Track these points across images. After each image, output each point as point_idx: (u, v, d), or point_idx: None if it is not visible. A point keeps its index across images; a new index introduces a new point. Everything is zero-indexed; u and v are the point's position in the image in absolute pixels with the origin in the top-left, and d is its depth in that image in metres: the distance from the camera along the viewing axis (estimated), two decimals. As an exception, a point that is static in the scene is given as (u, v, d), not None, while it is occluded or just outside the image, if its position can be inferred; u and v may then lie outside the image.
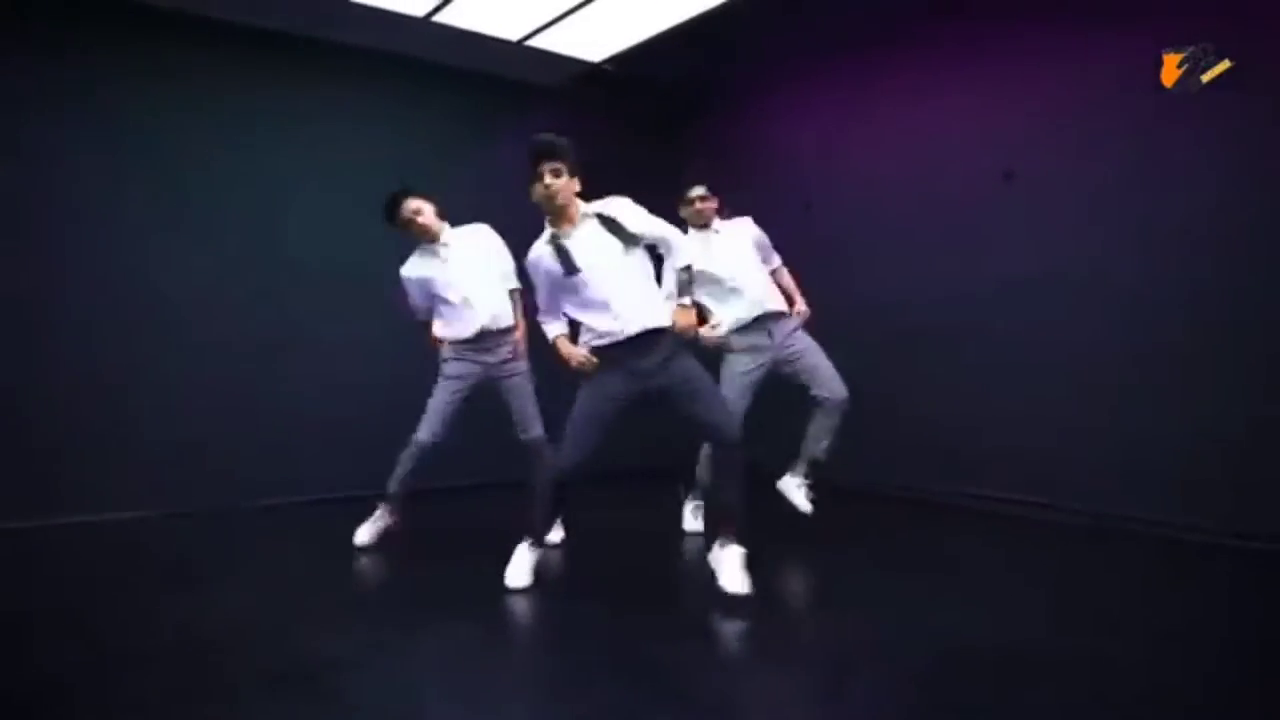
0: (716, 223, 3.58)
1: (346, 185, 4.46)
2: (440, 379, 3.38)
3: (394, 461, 3.37)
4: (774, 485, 3.60)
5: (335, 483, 4.21)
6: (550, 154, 2.60)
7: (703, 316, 3.39)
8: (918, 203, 4.37)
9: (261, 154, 4.37)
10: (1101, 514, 3.61)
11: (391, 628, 2.44)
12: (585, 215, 2.69)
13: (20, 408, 3.74)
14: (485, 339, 3.35)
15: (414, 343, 3.63)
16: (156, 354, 4.05)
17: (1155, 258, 3.47)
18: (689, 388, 2.65)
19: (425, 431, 3.32)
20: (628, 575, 3.02)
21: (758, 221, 3.69)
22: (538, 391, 3.48)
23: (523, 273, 3.01)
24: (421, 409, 3.38)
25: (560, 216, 2.67)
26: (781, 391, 3.52)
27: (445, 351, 3.40)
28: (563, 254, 2.67)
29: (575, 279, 2.66)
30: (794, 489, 3.57)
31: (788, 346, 3.49)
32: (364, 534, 3.39)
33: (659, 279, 2.88)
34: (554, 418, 3.36)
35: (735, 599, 2.56)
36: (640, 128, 5.59)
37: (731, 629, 2.49)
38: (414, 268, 3.42)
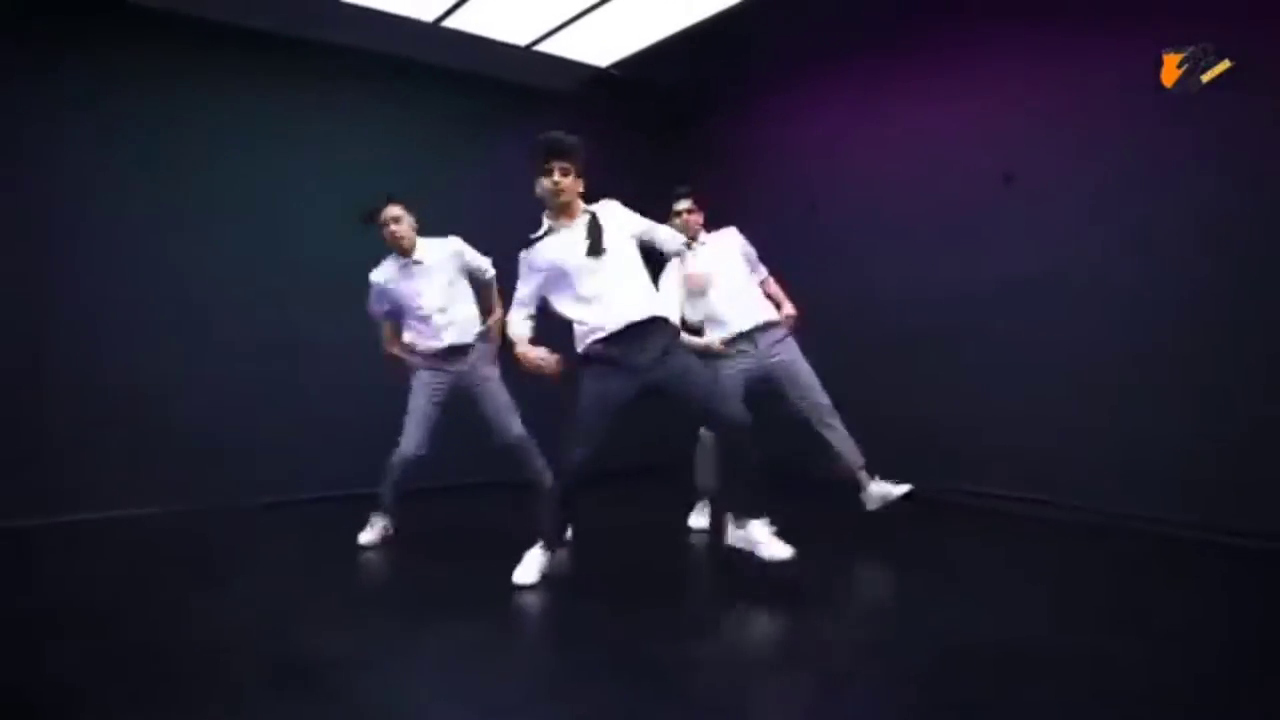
0: (702, 235, 3.63)
1: (355, 187, 4.44)
2: (414, 387, 3.42)
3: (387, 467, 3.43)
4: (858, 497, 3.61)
5: (342, 480, 4.25)
6: (561, 152, 2.67)
7: (690, 329, 3.49)
8: (921, 204, 4.39)
9: (271, 155, 4.43)
10: (1101, 512, 3.61)
11: (395, 626, 2.46)
12: (584, 213, 2.76)
13: (32, 406, 3.80)
14: (455, 351, 3.42)
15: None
16: (166, 353, 4.11)
17: (1155, 258, 3.47)
18: (688, 378, 2.69)
19: (409, 444, 3.36)
20: (628, 573, 3.03)
21: (763, 223, 3.73)
22: (514, 391, 3.51)
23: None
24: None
25: (562, 213, 2.74)
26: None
27: (416, 361, 3.44)
28: (594, 233, 2.70)
29: (584, 265, 2.68)
30: (887, 490, 3.56)
31: (773, 355, 3.54)
32: (365, 537, 3.44)
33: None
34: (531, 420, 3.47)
35: (780, 567, 2.63)
36: (646, 131, 5.64)
37: (733, 627, 2.51)
38: (383, 275, 3.45)
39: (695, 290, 3.41)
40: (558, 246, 2.73)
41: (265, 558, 3.37)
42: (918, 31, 4.36)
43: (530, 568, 2.81)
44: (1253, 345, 3.22)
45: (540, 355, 2.71)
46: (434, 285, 3.42)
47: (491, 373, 3.50)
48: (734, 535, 2.82)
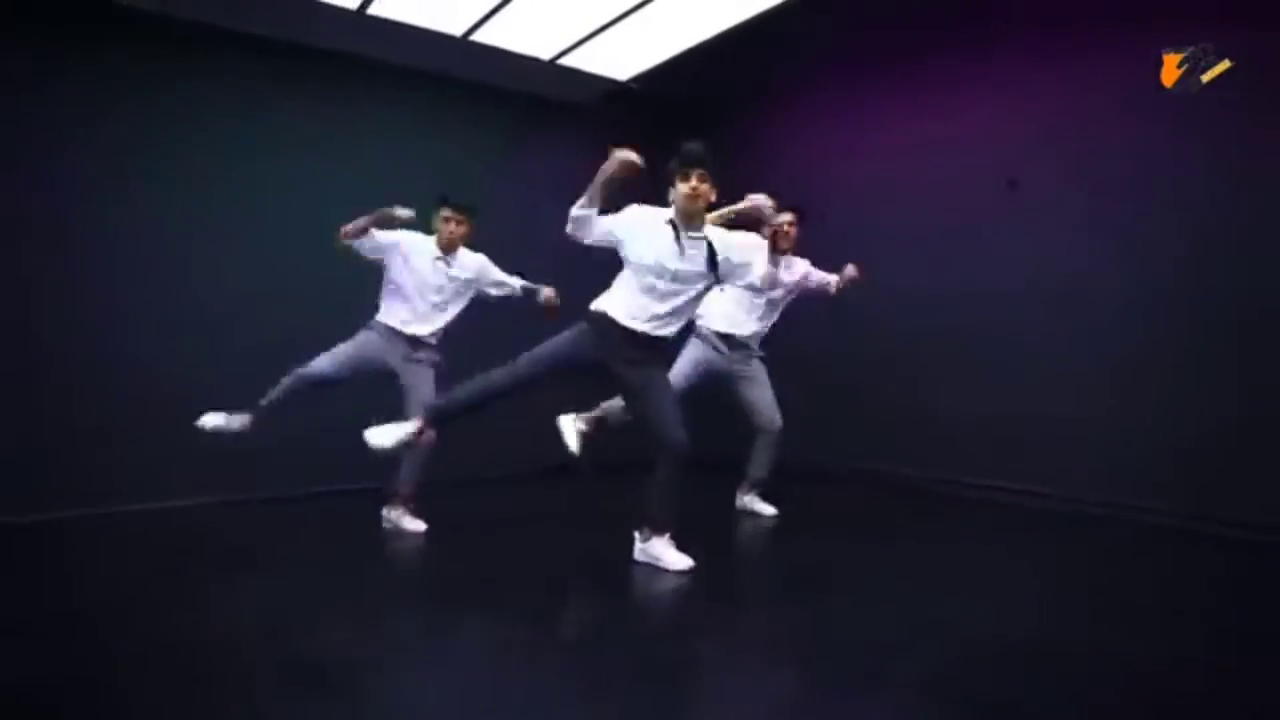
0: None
1: (379, 196, 4.64)
2: (358, 335, 3.58)
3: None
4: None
5: (358, 474, 4.29)
6: (701, 161, 2.84)
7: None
8: (928, 209, 4.51)
9: (300, 163, 4.55)
10: (1104, 504, 3.67)
11: (414, 625, 2.46)
12: (703, 234, 2.89)
13: (48, 403, 3.88)
14: (414, 340, 3.60)
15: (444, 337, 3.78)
16: (184, 351, 4.21)
17: (1154, 259, 3.55)
18: (649, 389, 2.90)
19: (313, 363, 3.51)
20: (645, 569, 2.97)
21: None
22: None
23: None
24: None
25: (691, 219, 2.87)
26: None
27: (374, 319, 3.61)
28: (711, 252, 2.87)
29: (667, 275, 2.85)
30: (757, 503, 3.85)
31: (740, 371, 3.79)
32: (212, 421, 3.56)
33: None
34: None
35: (683, 575, 2.80)
36: (663, 143, 5.70)
37: (748, 626, 2.50)
38: (414, 245, 3.58)
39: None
40: (663, 242, 2.84)
41: (284, 552, 3.36)
42: (925, 43, 4.50)
43: (676, 552, 2.89)
44: (1255, 344, 3.29)
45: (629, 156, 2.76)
46: (448, 289, 3.64)
47: (434, 356, 3.65)
48: (639, 549, 2.98)
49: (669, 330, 2.95)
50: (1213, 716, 1.84)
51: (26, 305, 3.88)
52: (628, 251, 2.90)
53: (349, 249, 3.57)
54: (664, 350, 3.02)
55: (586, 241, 2.91)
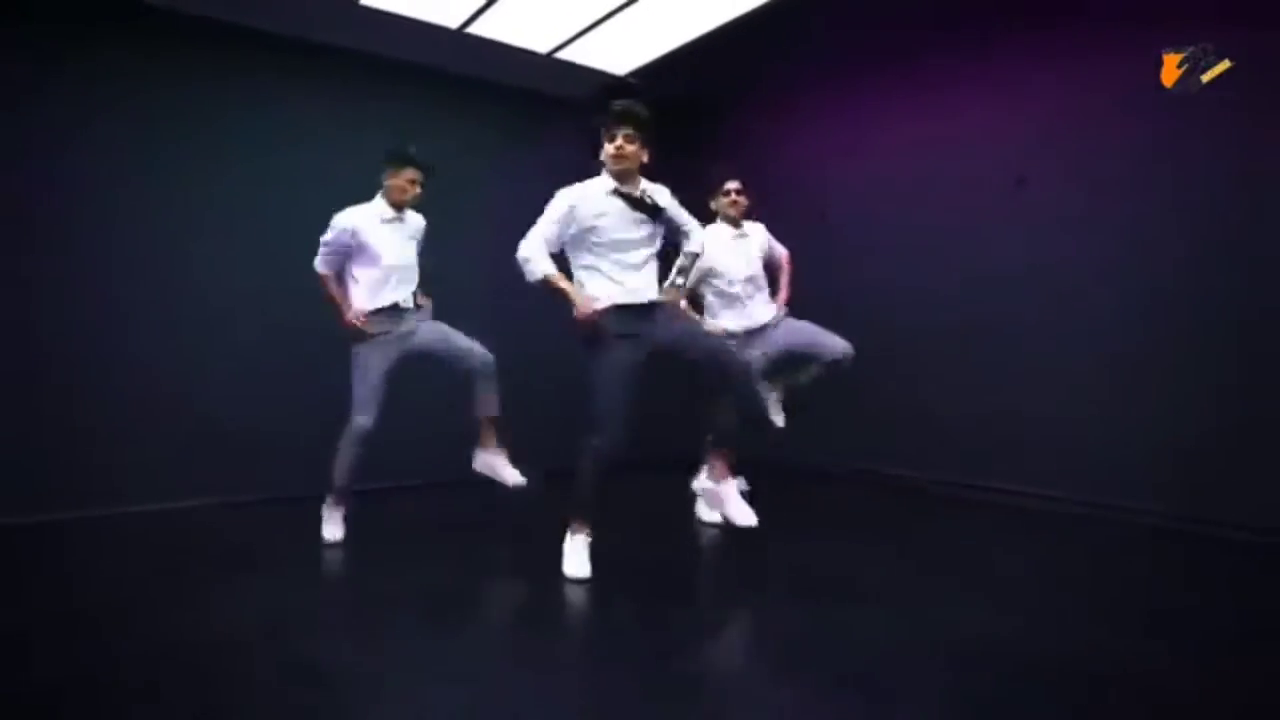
0: (746, 224, 3.78)
1: (373, 190, 4.65)
2: (359, 357, 3.37)
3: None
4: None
5: (376, 473, 4.31)
6: (627, 119, 2.77)
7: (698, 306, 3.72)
8: (930, 208, 4.50)
9: (297, 160, 4.53)
10: (1111, 506, 3.67)
11: (415, 631, 2.39)
12: (642, 189, 2.87)
13: (52, 404, 3.86)
14: (400, 310, 3.43)
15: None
16: (189, 351, 4.21)
17: (1156, 258, 3.55)
18: (693, 335, 2.90)
19: (365, 415, 3.33)
20: (646, 572, 2.97)
21: (776, 228, 3.89)
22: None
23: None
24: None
25: (623, 180, 2.82)
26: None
27: (365, 331, 3.38)
28: (650, 211, 2.83)
29: (626, 236, 2.80)
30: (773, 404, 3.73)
31: (777, 340, 3.74)
32: (330, 531, 3.41)
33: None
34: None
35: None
36: (662, 138, 5.74)
37: (756, 631, 2.45)
38: (357, 219, 3.37)
39: None
40: (607, 208, 2.78)
41: (286, 555, 3.32)
42: (930, 39, 4.49)
43: (580, 558, 2.79)
44: (1257, 344, 3.28)
45: (594, 308, 2.73)
46: (409, 245, 3.50)
47: (426, 315, 3.51)
48: (700, 489, 3.01)
49: (653, 291, 2.88)
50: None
51: (26, 305, 3.86)
52: (594, 233, 2.80)
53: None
54: (667, 309, 2.95)
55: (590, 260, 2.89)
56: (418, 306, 3.54)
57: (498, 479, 3.50)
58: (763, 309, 3.76)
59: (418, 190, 3.49)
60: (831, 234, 4.96)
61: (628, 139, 2.77)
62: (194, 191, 4.25)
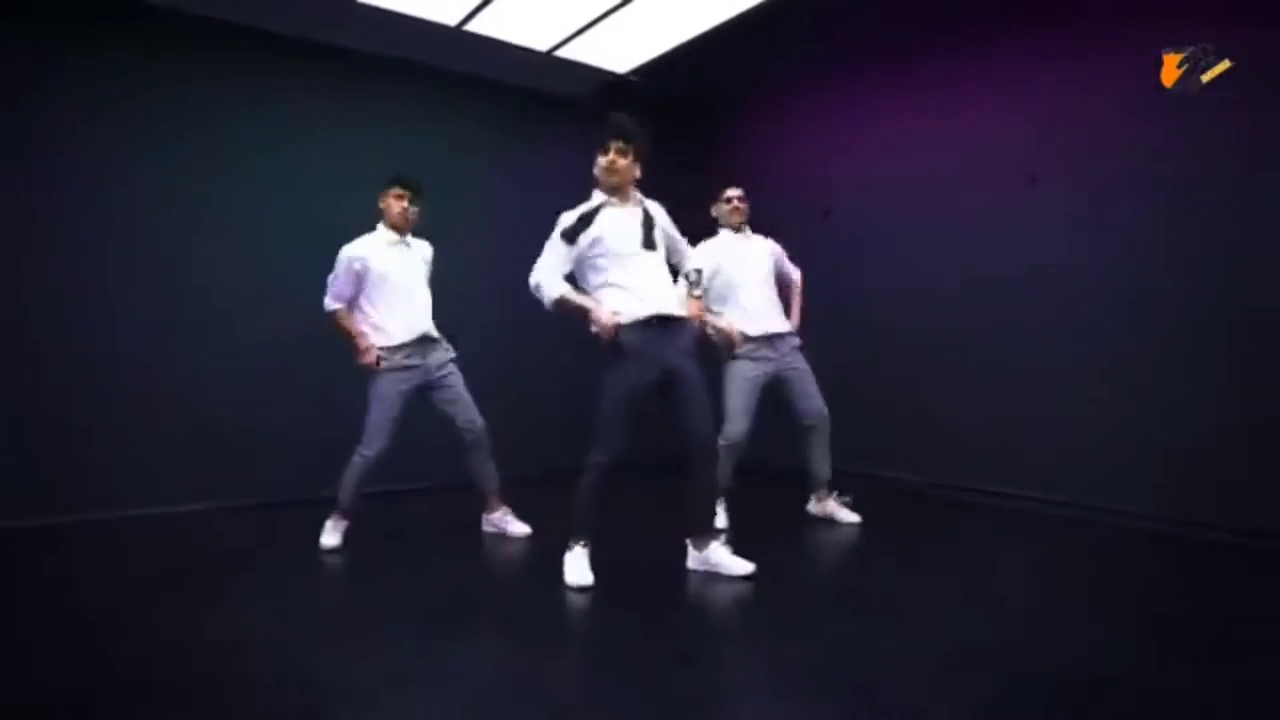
0: (747, 230, 3.81)
1: (372, 189, 4.63)
2: (378, 388, 3.34)
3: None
4: (803, 507, 3.85)
5: (378, 477, 4.32)
6: (620, 134, 2.77)
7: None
8: (930, 207, 4.50)
9: (295, 160, 4.53)
10: (1111, 510, 3.66)
11: (416, 642, 2.33)
12: (638, 201, 2.88)
13: (51, 406, 3.86)
14: (424, 343, 3.43)
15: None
16: (192, 352, 4.21)
17: (1169, 258, 3.53)
18: (692, 385, 2.79)
19: (375, 447, 3.32)
20: (650, 579, 2.93)
21: (778, 227, 3.89)
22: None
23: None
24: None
25: (614, 194, 2.83)
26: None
27: (382, 364, 3.34)
28: (648, 225, 2.84)
29: (630, 251, 2.78)
30: (833, 507, 3.83)
31: (790, 364, 3.73)
32: (328, 539, 3.40)
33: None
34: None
35: (748, 579, 2.80)
36: (663, 136, 5.70)
37: (769, 650, 2.34)
38: (363, 249, 3.37)
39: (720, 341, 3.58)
40: (608, 224, 2.78)
41: (286, 559, 3.30)
42: (926, 40, 4.48)
43: (582, 567, 2.79)
44: (1259, 344, 3.27)
45: (613, 322, 2.69)
46: (419, 268, 3.53)
47: (454, 367, 3.51)
48: (694, 559, 2.94)
49: (673, 303, 2.82)
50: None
51: (23, 306, 3.86)
52: (599, 250, 2.79)
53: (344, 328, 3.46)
54: (691, 336, 2.89)
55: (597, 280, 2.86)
56: (446, 337, 3.53)
57: (506, 533, 3.62)
58: (777, 316, 3.77)
59: (409, 208, 3.46)
60: (831, 233, 4.96)
61: (619, 152, 2.77)
62: (190, 192, 4.24)
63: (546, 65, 4.92)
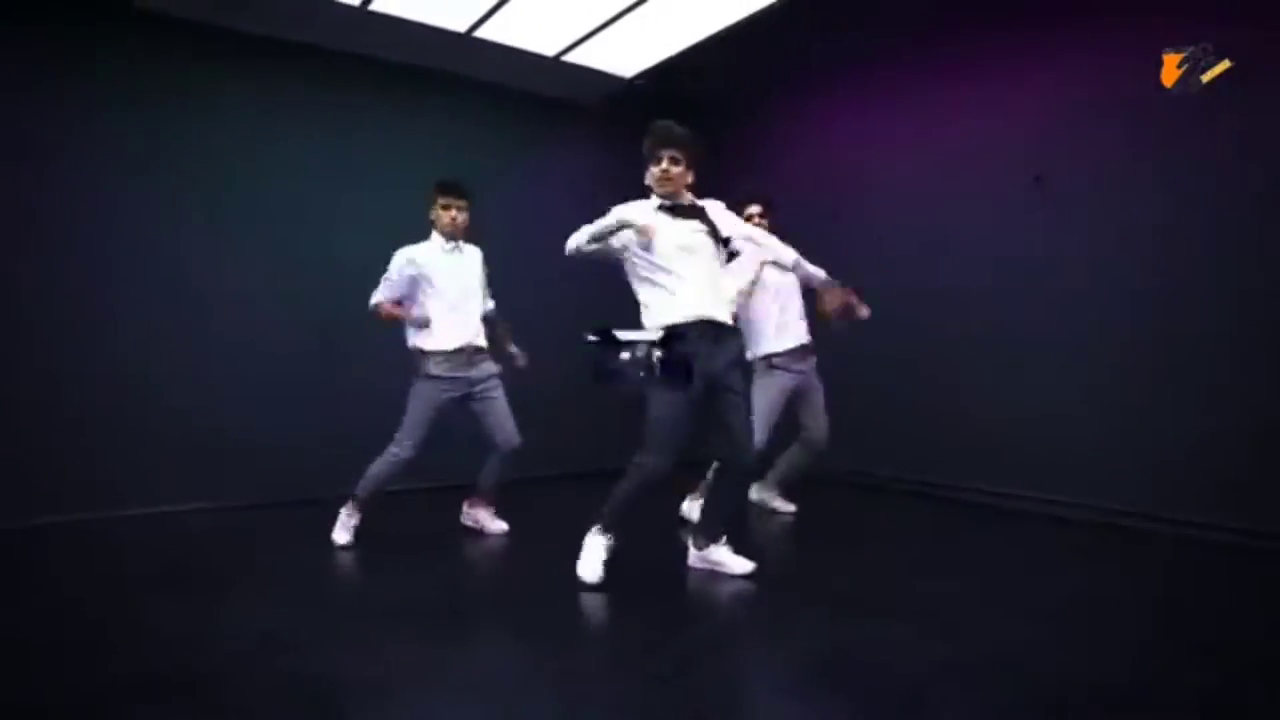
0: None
1: (382, 194, 4.68)
2: (420, 391, 3.36)
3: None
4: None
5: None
6: (670, 141, 2.69)
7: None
8: (941, 209, 4.51)
9: (302, 165, 4.59)
10: (1123, 512, 3.66)
11: (421, 644, 2.31)
12: (692, 204, 2.79)
13: (49, 405, 3.91)
14: (470, 354, 3.44)
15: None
16: (195, 354, 4.27)
17: (1177, 259, 3.52)
18: (737, 400, 2.73)
19: (408, 447, 3.34)
20: (655, 579, 2.92)
21: (786, 229, 3.91)
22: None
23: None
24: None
25: (669, 198, 2.75)
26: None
27: (428, 365, 3.37)
28: (711, 226, 2.75)
29: (680, 251, 2.67)
30: (774, 500, 3.99)
31: (811, 381, 3.85)
32: (339, 535, 3.42)
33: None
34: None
35: (749, 577, 2.84)
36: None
37: (788, 654, 2.28)
38: (418, 252, 3.40)
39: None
40: (666, 223, 2.69)
41: (289, 559, 3.29)
42: (935, 40, 4.50)
43: (595, 561, 2.77)
44: (1267, 343, 3.26)
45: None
46: (473, 276, 3.53)
47: (497, 384, 3.52)
48: (694, 557, 2.99)
49: (724, 310, 2.74)
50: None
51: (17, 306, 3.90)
52: (645, 253, 2.69)
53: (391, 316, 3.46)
54: (740, 348, 2.85)
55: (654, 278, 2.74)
56: (493, 350, 3.56)
57: (484, 530, 3.68)
58: (805, 327, 3.86)
59: (457, 215, 3.46)
60: (841, 235, 4.97)
61: (673, 160, 2.70)
62: (191, 195, 4.27)
63: (555, 70, 4.97)
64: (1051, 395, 3.96)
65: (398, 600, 2.73)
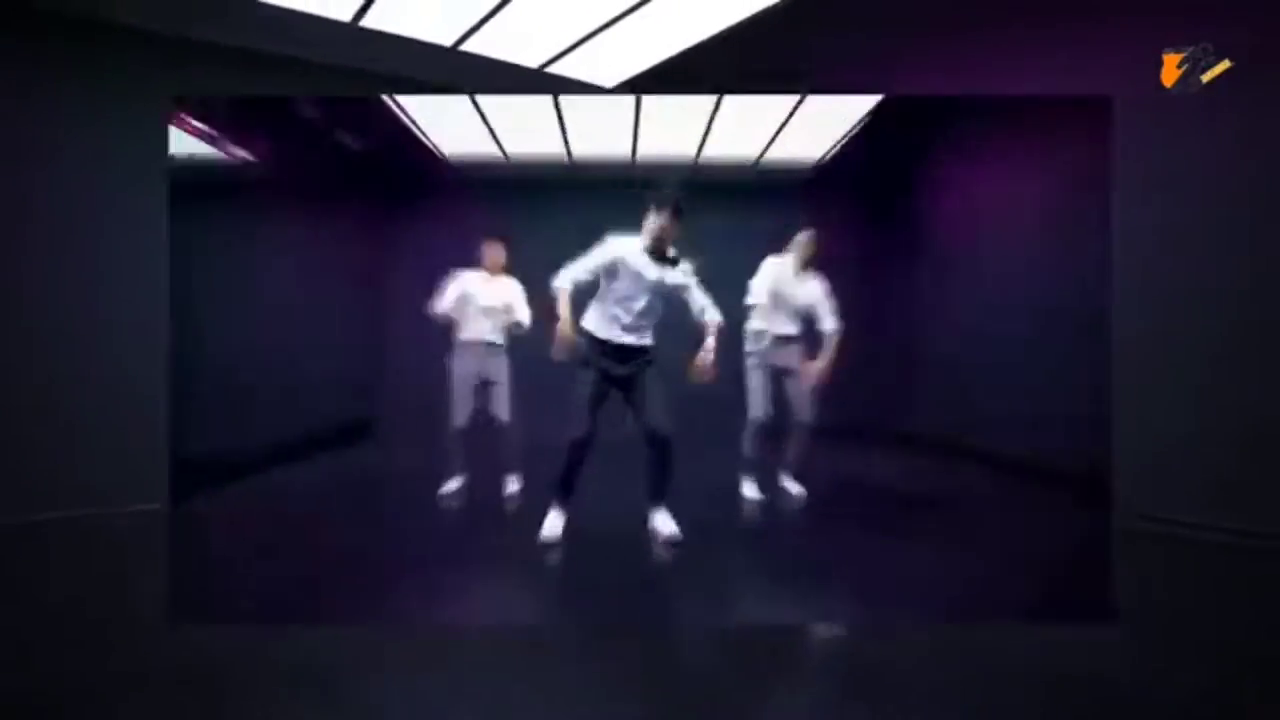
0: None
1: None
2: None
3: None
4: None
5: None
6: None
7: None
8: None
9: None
10: (1123, 512, 3.62)
11: (420, 644, 2.31)
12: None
13: (68, 402, 3.91)
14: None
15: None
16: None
17: (1188, 260, 3.49)
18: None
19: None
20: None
21: None
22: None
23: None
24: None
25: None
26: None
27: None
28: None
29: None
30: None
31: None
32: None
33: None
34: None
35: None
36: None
37: (805, 651, 2.29)
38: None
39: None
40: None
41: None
42: (933, 45, 4.46)
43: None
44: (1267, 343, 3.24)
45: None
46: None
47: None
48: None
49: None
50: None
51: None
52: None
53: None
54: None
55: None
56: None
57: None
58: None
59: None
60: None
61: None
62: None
63: (539, 82, 4.93)
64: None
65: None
